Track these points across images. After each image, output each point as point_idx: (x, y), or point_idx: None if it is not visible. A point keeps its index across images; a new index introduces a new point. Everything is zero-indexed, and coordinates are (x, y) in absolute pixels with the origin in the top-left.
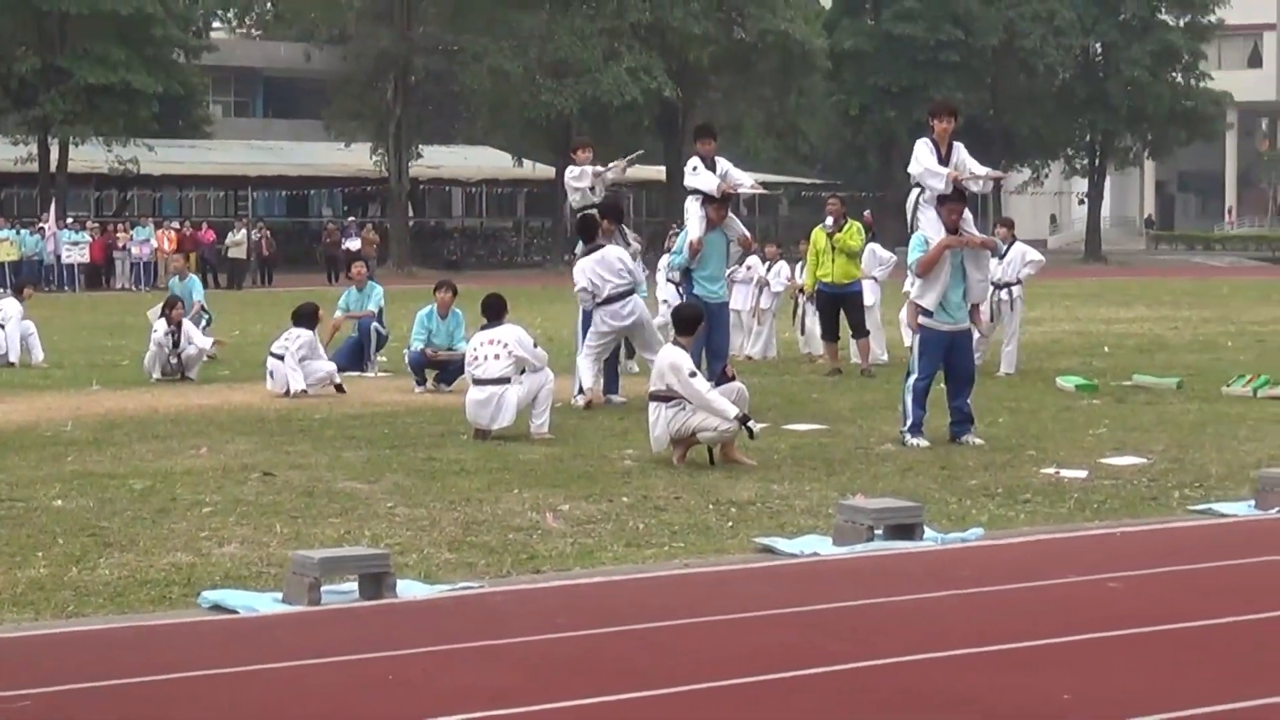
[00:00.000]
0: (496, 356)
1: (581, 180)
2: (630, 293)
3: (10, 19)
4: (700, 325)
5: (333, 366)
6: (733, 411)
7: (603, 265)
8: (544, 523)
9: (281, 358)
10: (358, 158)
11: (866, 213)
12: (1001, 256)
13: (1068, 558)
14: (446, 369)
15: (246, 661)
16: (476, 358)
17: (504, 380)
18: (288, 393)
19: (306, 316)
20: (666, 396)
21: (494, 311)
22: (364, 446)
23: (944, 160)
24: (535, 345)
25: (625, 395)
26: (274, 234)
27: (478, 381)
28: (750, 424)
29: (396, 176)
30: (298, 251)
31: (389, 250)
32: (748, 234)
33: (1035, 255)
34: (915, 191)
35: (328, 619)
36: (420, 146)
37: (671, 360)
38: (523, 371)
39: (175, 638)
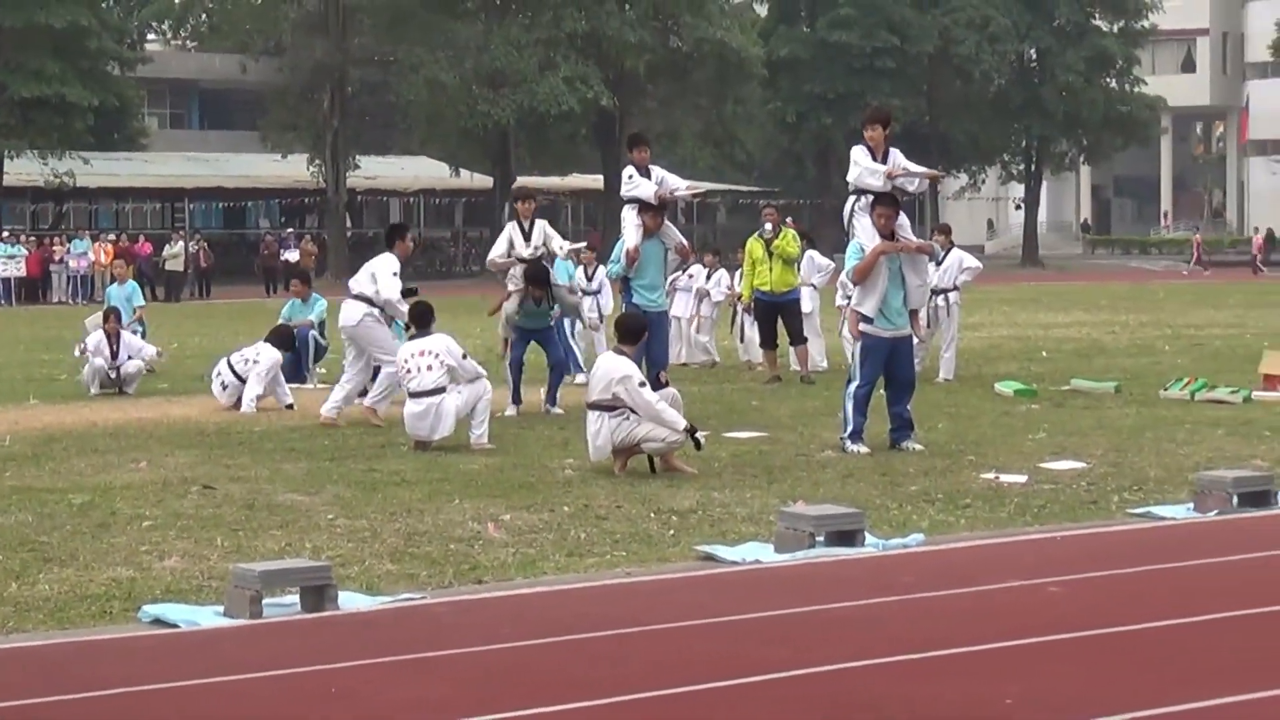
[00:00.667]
0: (429, 367)
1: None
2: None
3: None
4: (644, 334)
5: (289, 398)
6: (682, 423)
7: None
8: (485, 533)
9: (242, 379)
10: (294, 169)
11: (790, 219)
12: (939, 263)
13: (1008, 562)
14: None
15: (188, 676)
16: (409, 370)
17: (440, 390)
18: (237, 404)
19: (282, 340)
20: (610, 406)
21: (422, 320)
22: (304, 459)
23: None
24: (465, 356)
25: (563, 407)
26: (211, 246)
27: (413, 394)
28: (698, 435)
29: (334, 187)
30: (235, 263)
31: (327, 261)
32: (685, 242)
33: (973, 262)
34: (852, 199)
35: (269, 632)
36: (357, 157)
37: (620, 370)
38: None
39: (116, 653)
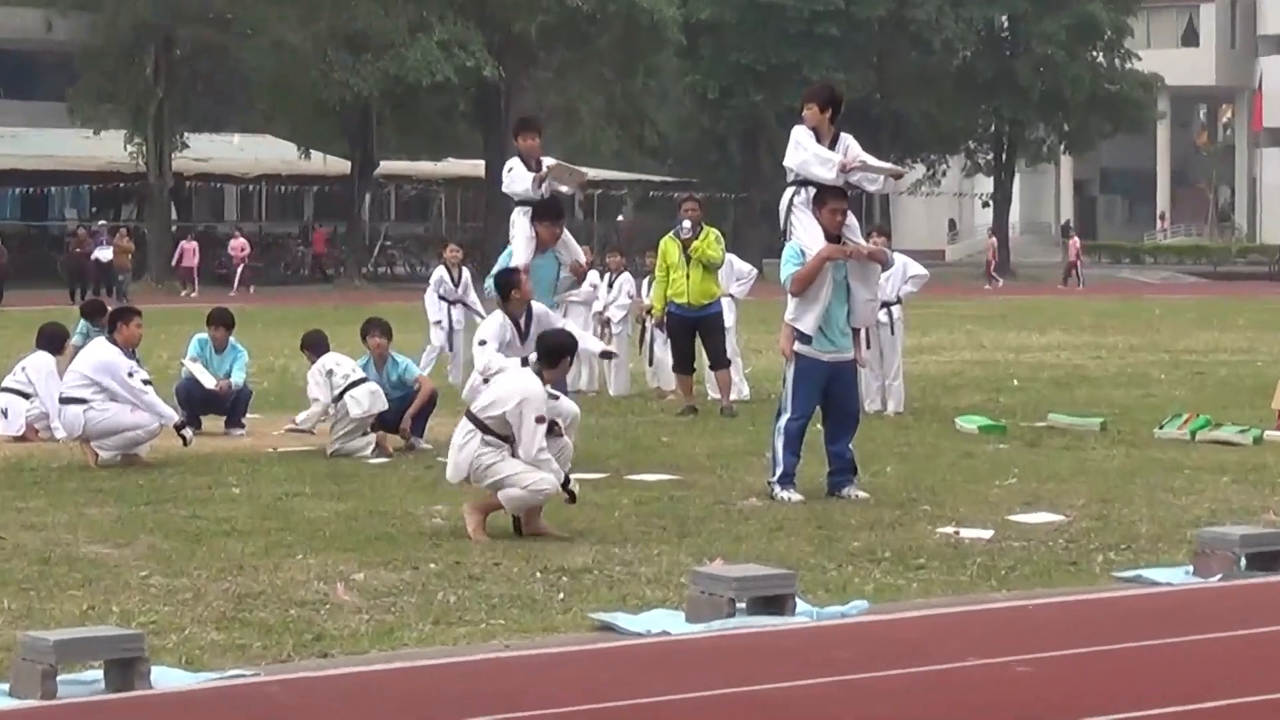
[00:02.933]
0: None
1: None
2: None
3: None
4: (570, 358)
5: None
6: (559, 478)
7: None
8: (333, 595)
9: (26, 395)
10: (109, 148)
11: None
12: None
13: (969, 635)
14: (233, 404)
15: None
16: None
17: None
18: (21, 437)
19: (51, 338)
20: (486, 428)
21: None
22: (113, 502)
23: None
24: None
25: (429, 442)
26: (5, 240)
27: None
28: (571, 485)
29: (156, 171)
30: (34, 261)
31: (147, 261)
32: (583, 261)
33: (918, 269)
34: (790, 191)
35: (65, 716)
36: (186, 135)
37: (528, 391)
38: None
39: None
